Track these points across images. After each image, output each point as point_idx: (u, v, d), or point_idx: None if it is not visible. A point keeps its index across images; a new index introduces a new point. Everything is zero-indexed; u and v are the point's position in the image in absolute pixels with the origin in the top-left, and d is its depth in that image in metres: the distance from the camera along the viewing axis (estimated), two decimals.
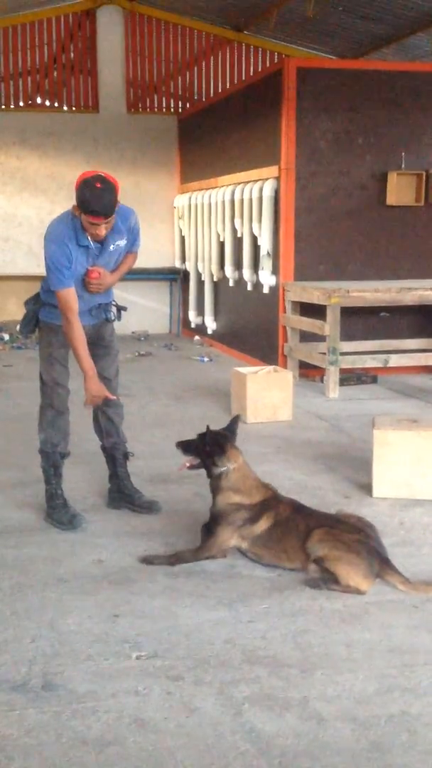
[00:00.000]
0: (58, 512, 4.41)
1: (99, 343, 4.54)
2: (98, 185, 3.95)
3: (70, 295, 4.14)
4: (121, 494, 4.66)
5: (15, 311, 11.36)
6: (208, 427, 3.97)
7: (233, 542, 3.79)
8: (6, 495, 4.86)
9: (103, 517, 4.49)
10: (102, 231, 4.07)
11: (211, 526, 3.85)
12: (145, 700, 2.77)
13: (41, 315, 4.40)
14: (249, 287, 9.17)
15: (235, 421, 4.10)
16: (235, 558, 3.88)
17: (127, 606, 3.44)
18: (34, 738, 2.56)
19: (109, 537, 4.20)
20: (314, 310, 7.86)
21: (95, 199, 3.95)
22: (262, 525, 3.77)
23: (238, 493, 3.84)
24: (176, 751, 2.50)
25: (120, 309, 4.62)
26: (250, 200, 8.86)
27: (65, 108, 11.90)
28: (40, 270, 11.92)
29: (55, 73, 11.86)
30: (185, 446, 3.99)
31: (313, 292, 7.77)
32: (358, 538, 3.66)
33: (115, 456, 4.70)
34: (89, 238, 4.12)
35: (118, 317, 4.61)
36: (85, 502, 4.71)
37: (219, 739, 2.56)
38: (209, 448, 3.88)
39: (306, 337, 8.17)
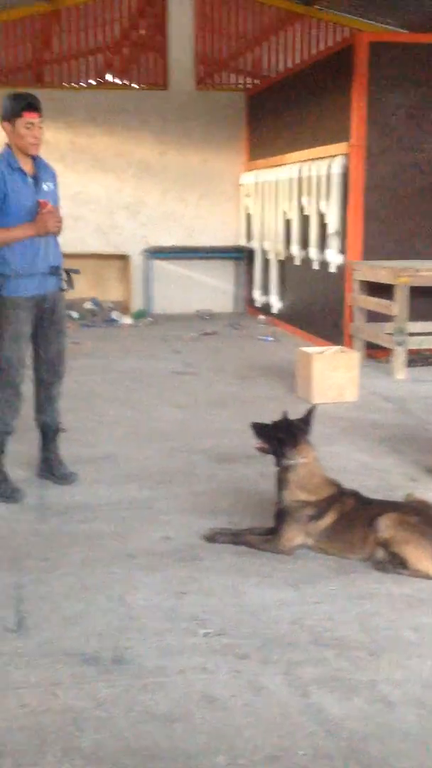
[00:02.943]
0: (2, 486, 4.46)
1: (52, 320, 4.51)
2: (18, 90, 4.36)
3: None
4: (45, 465, 4.76)
5: (84, 289, 11.50)
6: (285, 414, 3.91)
7: (299, 540, 3.74)
8: (75, 471, 4.92)
9: (168, 494, 4.53)
10: (38, 132, 4.29)
11: (276, 523, 3.80)
12: (212, 677, 2.80)
13: (4, 290, 4.34)
14: (315, 266, 9.09)
15: (310, 412, 3.97)
16: None
17: (193, 583, 3.47)
18: (104, 711, 2.61)
19: (175, 514, 4.24)
20: (382, 290, 7.75)
21: (25, 95, 4.29)
22: (327, 520, 3.71)
23: (303, 490, 3.75)
24: (244, 729, 2.52)
25: (70, 273, 4.61)
26: (318, 177, 8.76)
27: (135, 85, 11.91)
28: (109, 248, 12.04)
29: (125, 51, 11.86)
30: (258, 429, 3.91)
31: (381, 271, 7.66)
32: (424, 520, 3.62)
33: (46, 432, 4.74)
34: (27, 152, 4.31)
35: (70, 284, 4.60)
36: (152, 479, 4.76)
37: (286, 719, 2.58)
38: (281, 436, 3.82)
39: (373, 316, 8.08)
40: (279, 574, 3.56)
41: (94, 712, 2.61)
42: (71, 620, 3.16)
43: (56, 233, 4.40)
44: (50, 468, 4.74)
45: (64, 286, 4.57)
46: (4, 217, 4.30)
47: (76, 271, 4.65)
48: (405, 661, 2.90)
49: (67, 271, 4.60)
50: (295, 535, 3.73)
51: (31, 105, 4.24)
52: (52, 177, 4.55)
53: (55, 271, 4.48)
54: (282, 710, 2.62)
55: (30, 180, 4.36)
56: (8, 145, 4.37)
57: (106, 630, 3.08)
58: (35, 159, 4.42)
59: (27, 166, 4.37)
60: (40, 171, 4.43)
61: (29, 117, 4.24)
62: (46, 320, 4.49)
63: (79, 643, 2.99)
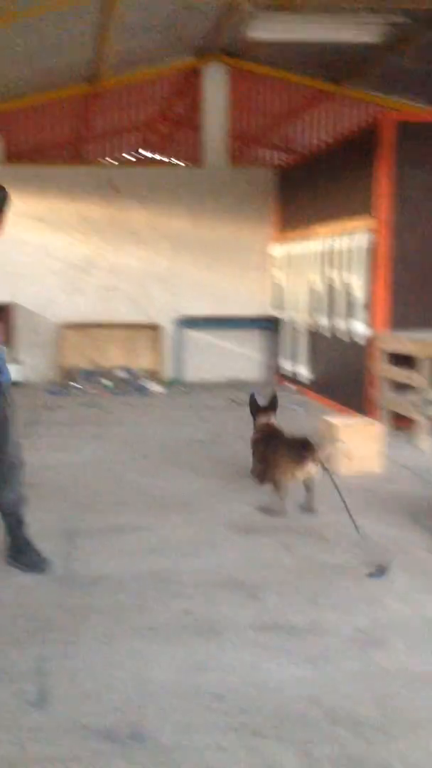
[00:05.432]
0: (28, 555, 4.54)
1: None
2: None
3: None
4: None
5: (116, 357, 11.74)
6: None
7: None
8: (99, 542, 5.00)
9: (190, 566, 4.58)
10: None
11: None
12: (228, 755, 2.82)
13: (3, 378, 4.41)
14: (342, 336, 9.22)
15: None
16: (320, 613, 3.92)
17: (213, 659, 3.50)
18: None
19: (197, 587, 4.28)
20: (408, 361, 7.83)
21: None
22: None
23: None
24: None
25: None
26: (344, 250, 8.95)
27: (170, 161, 12.32)
28: (141, 317, 12.31)
29: (162, 128, 12.31)
30: None
31: (407, 343, 7.76)
32: None
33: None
34: None
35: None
36: (175, 550, 4.82)
37: None
38: None
39: (399, 387, 8.14)
40: (299, 651, 3.59)
41: None
42: (92, 695, 3.21)
43: None
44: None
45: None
46: None
47: None
48: (422, 741, 2.90)
49: None
50: None
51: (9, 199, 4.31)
52: None
53: None
54: None
55: None
56: None
57: (125, 705, 3.13)
58: None
59: None
60: None
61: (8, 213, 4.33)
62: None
63: (99, 719, 3.03)
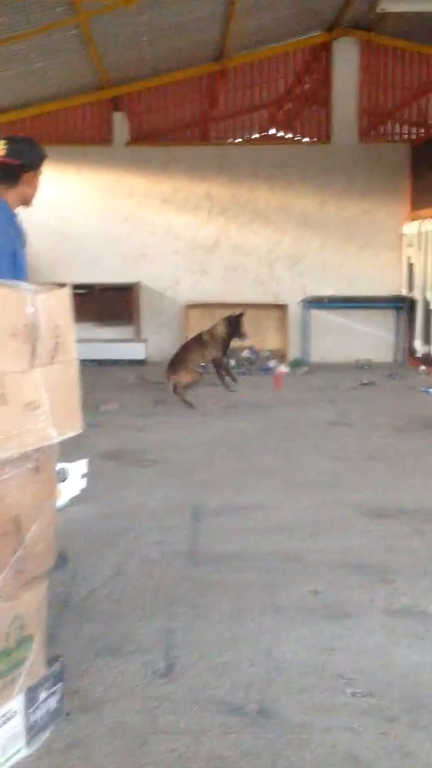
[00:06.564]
0: None
1: None
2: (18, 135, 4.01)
3: None
4: None
5: None
6: None
7: None
8: (225, 520, 4.99)
9: (319, 547, 4.50)
10: None
11: None
12: (358, 738, 2.74)
13: None
14: None
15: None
16: None
17: (342, 640, 3.43)
18: (249, 763, 2.61)
19: (325, 568, 4.20)
20: None
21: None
22: None
23: None
24: None
25: None
26: None
27: (298, 139, 12.13)
28: (268, 298, 12.23)
29: (290, 105, 12.14)
30: None
31: None
32: None
33: None
34: (28, 205, 3.90)
35: None
36: (303, 531, 4.75)
37: None
38: None
39: None
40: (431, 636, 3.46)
41: (239, 762, 2.62)
42: (219, 669, 3.19)
43: None
44: None
45: None
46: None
47: None
48: None
49: None
50: None
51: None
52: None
53: None
54: None
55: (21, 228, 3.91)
56: None
57: (252, 681, 3.10)
58: None
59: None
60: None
61: (42, 170, 3.95)
62: None
63: (226, 693, 3.02)
